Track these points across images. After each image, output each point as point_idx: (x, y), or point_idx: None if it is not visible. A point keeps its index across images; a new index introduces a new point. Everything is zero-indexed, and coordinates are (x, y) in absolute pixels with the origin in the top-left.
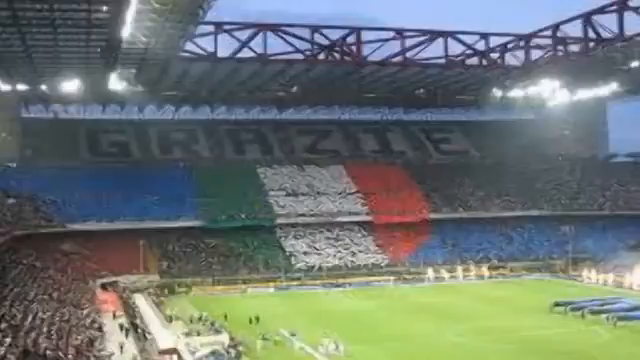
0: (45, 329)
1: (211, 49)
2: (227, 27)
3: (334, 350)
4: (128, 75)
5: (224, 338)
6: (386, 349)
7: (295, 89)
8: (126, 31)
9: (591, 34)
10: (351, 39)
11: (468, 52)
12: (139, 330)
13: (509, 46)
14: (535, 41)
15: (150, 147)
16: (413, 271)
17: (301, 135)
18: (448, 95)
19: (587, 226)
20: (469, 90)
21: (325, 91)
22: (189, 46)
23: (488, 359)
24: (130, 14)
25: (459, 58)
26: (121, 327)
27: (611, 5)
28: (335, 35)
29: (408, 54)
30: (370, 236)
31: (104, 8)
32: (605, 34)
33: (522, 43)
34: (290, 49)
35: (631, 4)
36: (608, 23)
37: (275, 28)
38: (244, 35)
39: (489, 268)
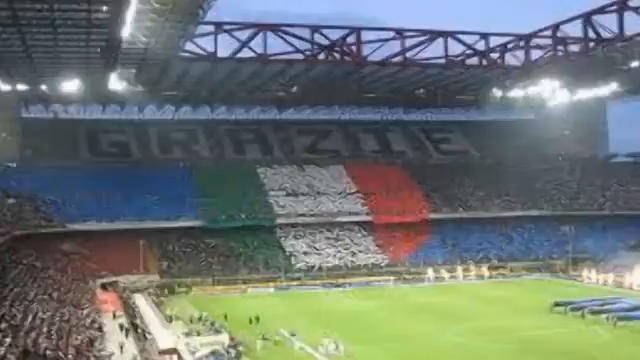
0: (45, 329)
1: (211, 49)
2: (227, 27)
3: (334, 350)
4: (128, 75)
5: (224, 338)
6: (386, 349)
7: (295, 89)
8: (126, 31)
9: (591, 34)
10: (351, 39)
11: (468, 52)
12: (139, 330)
13: (509, 46)
14: (535, 41)
15: (150, 147)
16: (413, 271)
17: (301, 135)
18: (448, 95)
19: (587, 226)
20: (469, 90)
21: (325, 91)
22: (189, 46)
23: (488, 359)
24: (130, 14)
25: (459, 58)
26: (121, 327)
27: (611, 5)
28: (335, 35)
29: (408, 54)
30: (370, 236)
31: (104, 8)
32: (605, 34)
33: (522, 43)
34: (290, 49)
35: (631, 4)
36: (608, 23)
37: (275, 28)
38: (244, 35)
39: (489, 268)
